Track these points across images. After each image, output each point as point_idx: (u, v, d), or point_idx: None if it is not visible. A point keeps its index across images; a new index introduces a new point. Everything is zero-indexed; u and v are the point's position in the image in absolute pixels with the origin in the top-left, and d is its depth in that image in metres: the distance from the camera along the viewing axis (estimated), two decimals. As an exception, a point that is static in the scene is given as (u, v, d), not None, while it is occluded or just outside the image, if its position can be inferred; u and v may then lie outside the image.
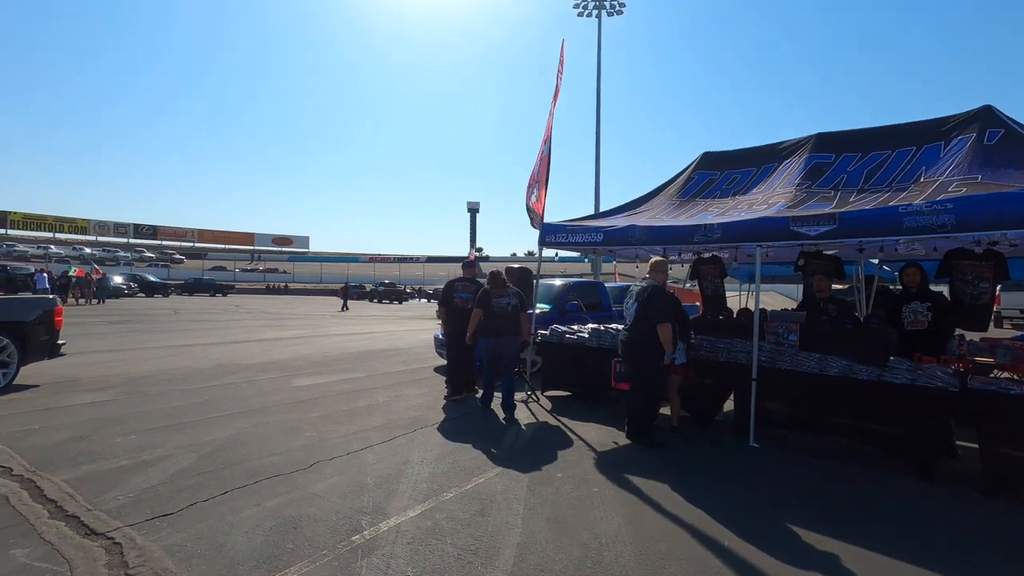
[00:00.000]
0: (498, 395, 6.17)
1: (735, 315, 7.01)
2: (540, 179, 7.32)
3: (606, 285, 10.76)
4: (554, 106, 7.56)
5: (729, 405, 5.75)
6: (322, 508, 3.34)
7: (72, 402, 5.96)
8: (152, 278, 40.38)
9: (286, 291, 55.38)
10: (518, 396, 6.80)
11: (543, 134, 7.42)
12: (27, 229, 75.62)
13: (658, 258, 5.55)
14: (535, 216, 7.23)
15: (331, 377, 7.94)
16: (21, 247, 63.55)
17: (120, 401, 6.08)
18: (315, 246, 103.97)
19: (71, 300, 24.35)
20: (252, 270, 71.69)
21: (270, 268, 73.65)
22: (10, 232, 73.62)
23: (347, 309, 28.78)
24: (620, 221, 6.46)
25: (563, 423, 5.66)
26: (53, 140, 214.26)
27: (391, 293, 45.23)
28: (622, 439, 5.06)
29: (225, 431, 4.97)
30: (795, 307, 6.67)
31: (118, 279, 35.86)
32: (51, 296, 7.18)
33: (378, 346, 12.18)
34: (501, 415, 5.91)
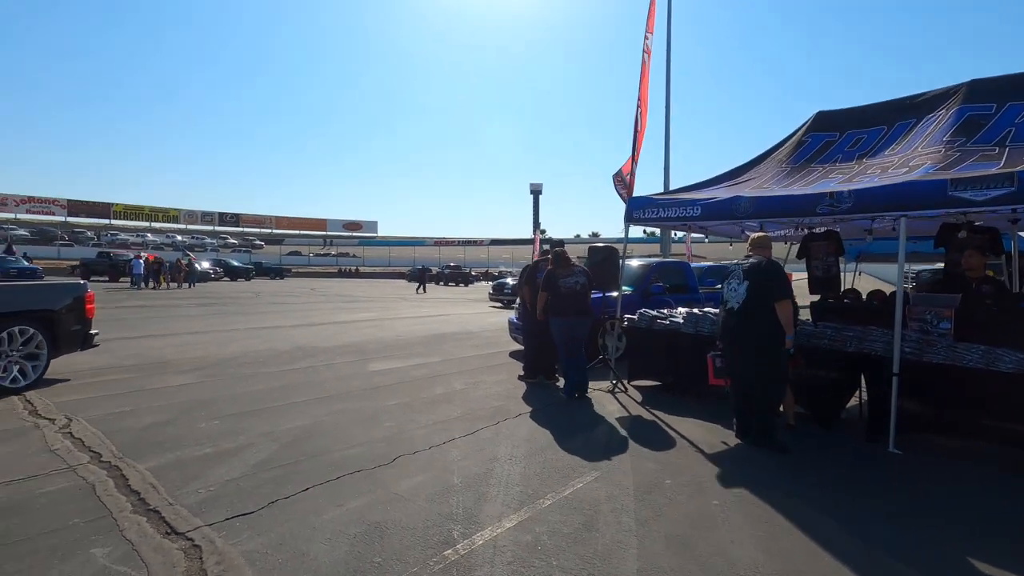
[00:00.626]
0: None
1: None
2: (635, 146, 6.69)
3: (692, 266, 9.97)
4: (646, 67, 6.90)
5: (847, 402, 5.01)
6: (408, 513, 3.01)
7: (162, 384, 6.04)
8: (235, 263, 42.70)
9: (357, 274, 57.24)
10: (602, 385, 6.32)
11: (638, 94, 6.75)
12: (128, 219, 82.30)
13: (760, 234, 4.83)
14: (624, 187, 6.62)
15: (406, 361, 7.75)
16: (123, 235, 69.27)
17: (205, 384, 6.11)
18: (383, 230, 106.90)
19: (163, 284, 26.05)
20: (325, 254, 74.65)
21: (342, 252, 76.38)
22: (114, 222, 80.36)
23: (424, 292, 29.32)
24: (721, 192, 5.74)
25: (659, 418, 5.11)
26: (165, 141, 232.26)
27: (457, 275, 45.60)
28: (731, 438, 4.46)
29: (304, 418, 4.80)
30: (915, 288, 5.76)
31: (205, 264, 38.18)
32: (81, 282, 6.72)
33: (449, 329, 12.01)
34: (591, 405, 5.45)
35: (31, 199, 76.00)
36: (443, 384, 6.35)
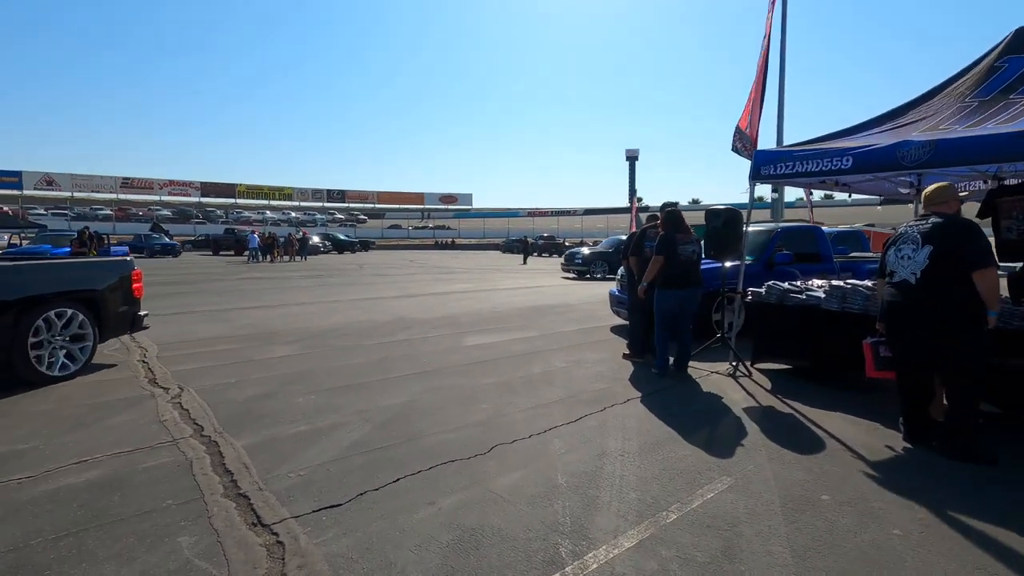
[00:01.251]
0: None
1: None
2: (754, 97, 5.73)
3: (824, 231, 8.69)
4: (771, 11, 5.91)
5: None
6: (508, 519, 2.61)
7: (267, 355, 6.16)
8: (342, 237, 45.24)
9: (452, 246, 58.60)
10: (719, 367, 5.57)
11: (761, 42, 5.76)
12: (250, 197, 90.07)
13: (940, 185, 3.79)
14: (745, 142, 5.70)
15: (504, 336, 7.42)
16: (246, 213, 76.02)
17: (307, 356, 6.15)
18: (477, 202, 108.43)
19: (278, 257, 28.02)
20: (422, 227, 77.20)
21: (438, 225, 78.60)
22: (238, 201, 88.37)
23: (526, 263, 29.31)
24: (880, 139, 4.68)
25: (797, 411, 4.33)
26: (271, 123, 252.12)
27: (551, 246, 45.09)
28: (898, 442, 3.62)
29: (400, 396, 4.59)
30: None
31: (315, 239, 40.75)
32: (128, 259, 6.07)
33: (546, 301, 11.58)
34: (709, 391, 4.78)
35: (172, 182, 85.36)
36: (542, 362, 5.93)
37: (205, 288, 14.14)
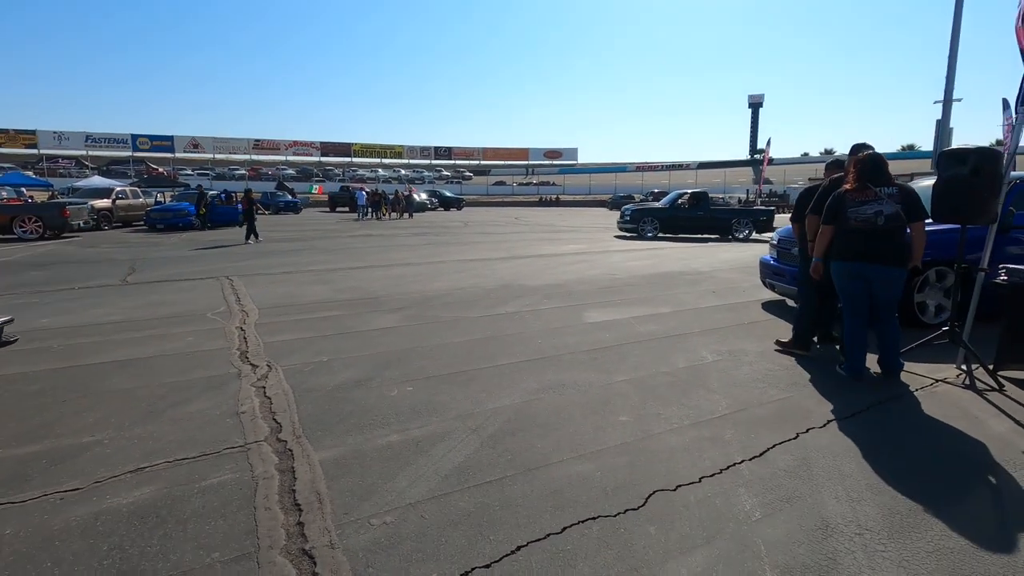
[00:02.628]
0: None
1: None
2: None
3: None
4: None
5: None
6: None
7: (366, 327, 5.54)
8: (448, 194, 45.54)
9: (557, 203, 57.12)
10: (947, 373, 4.04)
11: None
12: (364, 156, 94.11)
13: None
14: None
15: (629, 311, 6.26)
16: (360, 171, 79.60)
17: (408, 329, 5.44)
18: (583, 157, 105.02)
19: (385, 215, 28.49)
20: (526, 183, 76.15)
21: (543, 181, 77.10)
22: (354, 160, 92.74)
23: None
24: None
25: (1119, 460, 2.80)
26: (379, 85, 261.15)
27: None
28: None
29: (513, 394, 3.67)
30: None
31: (423, 196, 41.31)
32: None
33: (670, 267, 10.14)
34: (942, 411, 3.34)
35: (295, 143, 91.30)
36: (685, 350, 4.73)
37: (317, 245, 14.28)
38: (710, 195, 18.25)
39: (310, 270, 9.62)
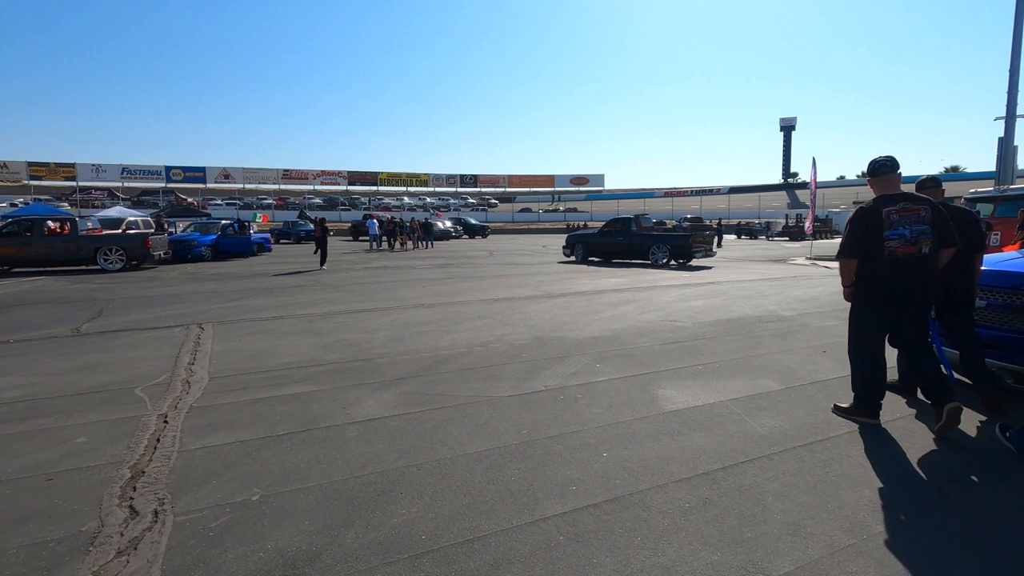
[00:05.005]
0: None
1: None
2: None
3: None
4: None
5: None
6: None
7: (344, 416, 3.80)
8: (473, 221, 44.42)
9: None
10: None
11: None
12: (390, 185, 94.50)
13: None
14: None
15: (719, 387, 4.40)
16: (386, 200, 79.59)
17: (403, 425, 3.68)
18: (610, 183, 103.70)
19: (400, 245, 26.63)
20: (553, 210, 74.81)
21: (569, 208, 75.68)
22: (380, 188, 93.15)
23: (720, 246, 26.48)
24: None
25: None
26: (408, 114, 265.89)
27: (698, 229, 40.02)
28: None
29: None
30: None
31: (447, 223, 40.12)
32: None
33: (740, 309, 8.22)
34: None
35: (323, 172, 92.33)
36: (851, 476, 2.85)
37: (323, 280, 12.77)
38: (640, 219, 18.56)
39: (303, 314, 8.01)
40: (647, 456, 3.11)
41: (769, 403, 4.02)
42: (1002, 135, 27.30)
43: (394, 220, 26.78)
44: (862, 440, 3.37)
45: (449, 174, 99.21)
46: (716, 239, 32.54)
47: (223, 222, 21.87)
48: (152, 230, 21.63)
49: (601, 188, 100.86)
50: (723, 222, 37.94)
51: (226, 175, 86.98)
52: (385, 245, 26.34)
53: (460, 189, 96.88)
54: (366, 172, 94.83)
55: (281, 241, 33.50)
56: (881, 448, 3.26)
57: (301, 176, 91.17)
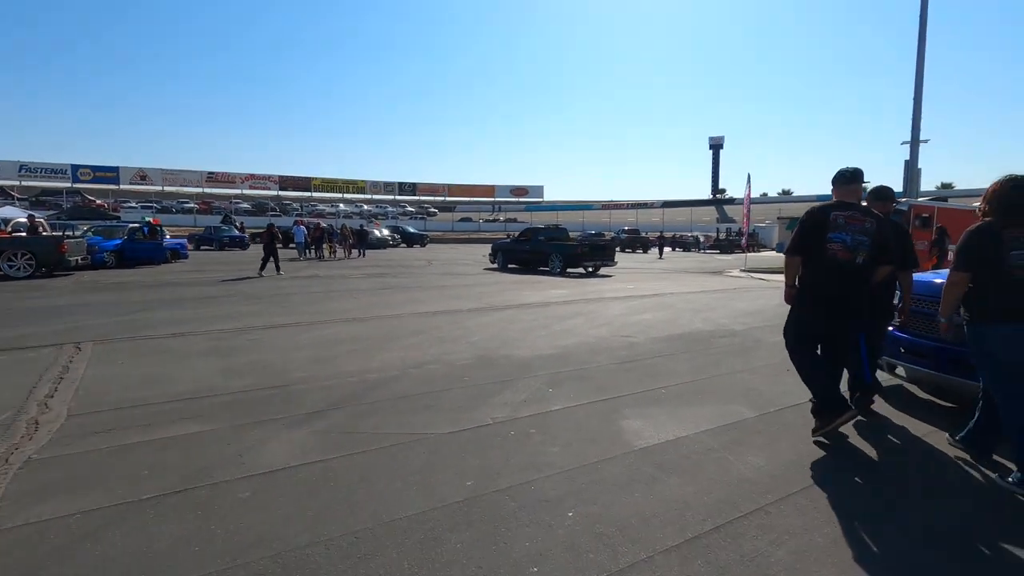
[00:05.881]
0: None
1: None
2: None
3: None
4: None
5: None
6: None
7: (237, 470, 2.98)
8: (411, 229, 43.22)
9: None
10: None
11: None
12: (324, 191, 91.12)
13: None
14: None
15: (689, 415, 3.90)
16: (320, 206, 76.55)
17: (315, 477, 2.91)
18: (549, 195, 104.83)
19: (330, 253, 24.54)
20: (493, 220, 74.48)
21: (509, 218, 75.60)
22: (314, 194, 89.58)
23: (661, 257, 29.59)
24: None
25: None
26: (346, 119, 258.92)
27: (635, 241, 40.76)
28: None
29: None
30: None
31: (385, 231, 38.74)
32: None
33: (690, 322, 7.91)
34: None
35: (252, 176, 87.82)
36: (856, 535, 2.38)
37: (244, 290, 11.53)
38: (548, 229, 19.91)
39: (213, 330, 6.96)
40: (622, 514, 2.52)
41: (746, 434, 3.56)
42: (908, 158, 29.63)
43: (323, 227, 24.15)
44: (861, 478, 2.94)
45: (387, 181, 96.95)
46: (660, 251, 33.43)
47: (131, 225, 19.76)
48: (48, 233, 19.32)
49: (541, 199, 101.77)
50: (663, 235, 38.77)
51: (143, 176, 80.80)
52: (314, 253, 24.49)
53: (399, 197, 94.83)
54: (299, 177, 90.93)
55: (203, 247, 31.05)
56: (888, 488, 2.84)
57: (228, 179, 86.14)
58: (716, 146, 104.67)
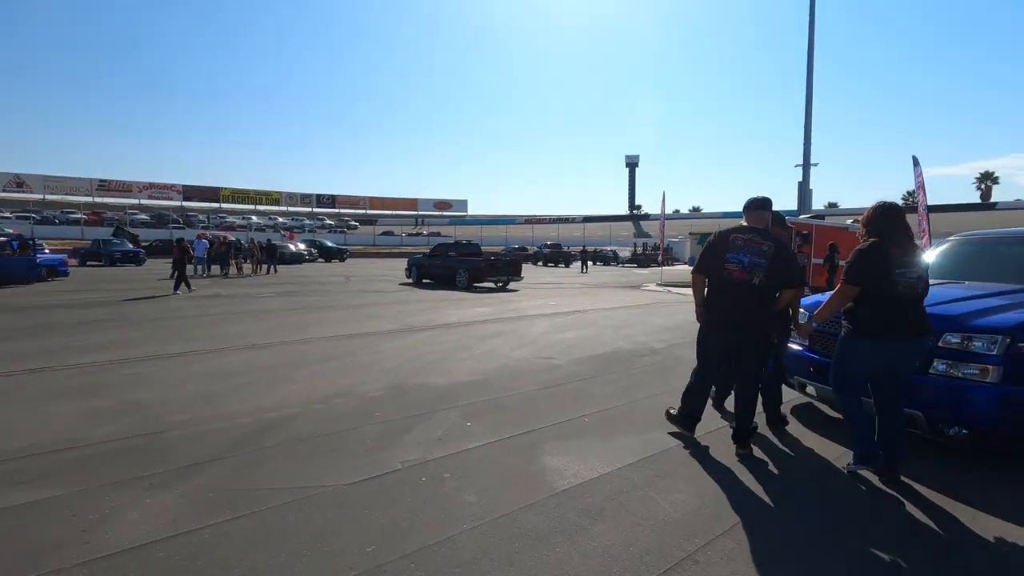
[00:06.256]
0: None
1: None
2: None
3: None
4: None
5: None
6: None
7: (83, 551, 2.42)
8: (329, 243, 41.44)
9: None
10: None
11: None
12: (235, 202, 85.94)
13: None
14: None
15: (611, 448, 3.73)
16: (230, 218, 71.90)
17: (171, 571, 2.42)
18: (473, 209, 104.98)
19: (235, 269, 22.53)
20: (416, 234, 73.36)
21: (433, 232, 74.77)
22: (223, 206, 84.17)
23: (586, 271, 31.12)
24: None
25: None
26: (260, 124, 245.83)
27: (557, 255, 41.43)
28: None
29: None
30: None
31: (300, 245, 36.87)
32: None
33: (611, 340, 7.91)
34: None
35: (152, 185, 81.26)
36: (791, 580, 2.26)
37: (130, 314, 10.32)
38: (458, 245, 20.59)
39: (82, 363, 6.05)
40: (541, 563, 2.26)
41: (670, 466, 3.43)
42: (800, 180, 32.38)
43: (228, 241, 21.40)
44: (781, 509, 2.86)
45: (304, 193, 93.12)
46: (583, 265, 34.04)
47: (-3, 239, 17.38)
48: None
49: (464, 213, 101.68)
50: (586, 249, 39.56)
51: (19, 183, 72.44)
52: (219, 270, 22.28)
53: (317, 209, 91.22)
54: (206, 187, 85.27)
55: (90, 263, 28.00)
56: (810, 517, 2.77)
57: (123, 188, 79.08)
58: (632, 164, 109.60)
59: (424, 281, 18.87)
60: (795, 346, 4.38)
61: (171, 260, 15.32)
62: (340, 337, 7.96)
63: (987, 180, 74.00)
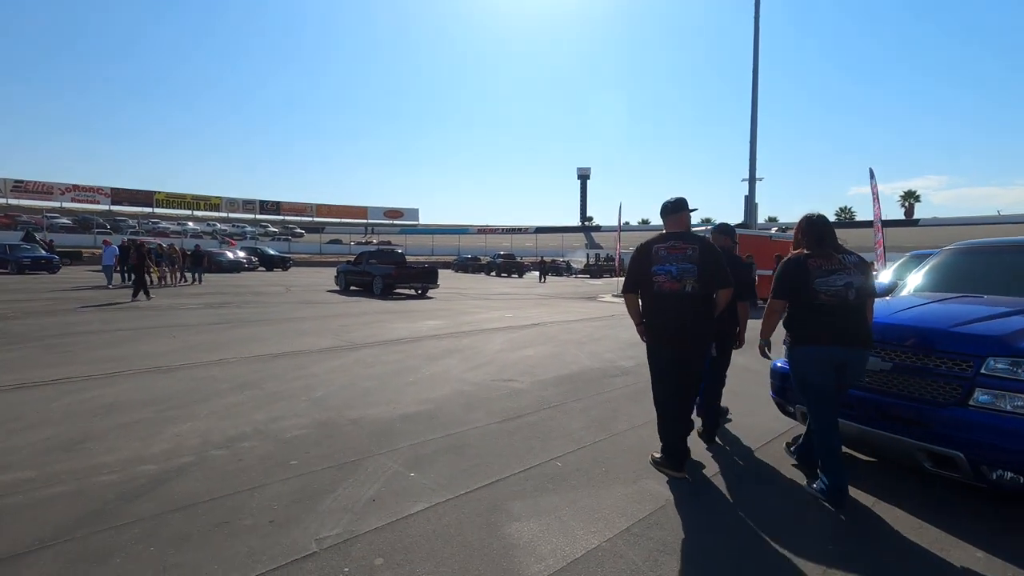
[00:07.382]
0: None
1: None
2: None
3: None
4: None
5: None
6: None
7: None
8: (272, 251, 39.25)
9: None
10: None
11: None
12: (170, 207, 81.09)
13: None
14: None
15: (595, 507, 2.94)
16: (164, 224, 67.57)
17: None
18: (424, 218, 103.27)
19: (155, 279, 19.62)
20: (366, 243, 71.15)
21: (383, 241, 72.76)
22: (156, 211, 79.17)
23: (544, 282, 31.01)
24: None
25: None
26: (203, 129, 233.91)
27: (510, 265, 40.75)
28: None
29: None
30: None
31: (240, 253, 34.68)
32: None
33: (576, 357, 7.17)
34: None
35: (76, 187, 75.54)
36: None
37: (13, 330, 8.77)
38: (380, 254, 20.55)
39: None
40: None
41: (671, 530, 2.67)
42: (747, 193, 33.15)
43: (144, 245, 17.52)
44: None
45: (247, 199, 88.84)
46: (542, 275, 33.60)
47: None
48: None
49: (416, 222, 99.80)
50: (544, 260, 39.03)
51: (-83, 182, 65.54)
52: (131, 281, 18.82)
53: (260, 216, 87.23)
54: (138, 191, 79.90)
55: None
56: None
57: (43, 189, 73.00)
58: (584, 176, 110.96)
59: (352, 288, 19.19)
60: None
61: (129, 265, 13.27)
62: (265, 357, 6.86)
63: (910, 199, 78.76)
